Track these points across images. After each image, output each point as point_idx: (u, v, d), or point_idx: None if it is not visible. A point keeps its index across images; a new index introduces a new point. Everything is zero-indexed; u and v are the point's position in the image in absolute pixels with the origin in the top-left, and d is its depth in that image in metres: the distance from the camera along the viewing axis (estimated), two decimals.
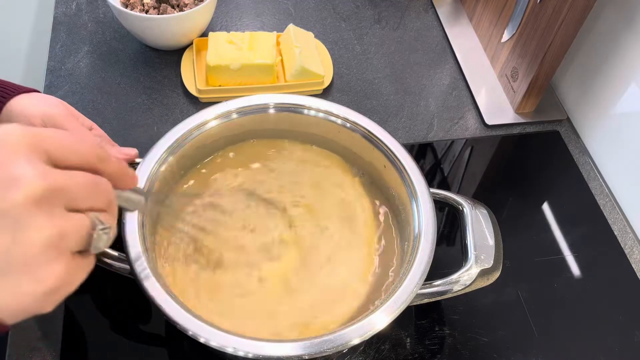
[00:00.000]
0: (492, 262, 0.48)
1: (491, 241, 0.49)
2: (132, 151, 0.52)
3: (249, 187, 0.55)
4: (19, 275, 0.25)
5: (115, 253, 0.45)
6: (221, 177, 0.56)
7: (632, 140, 0.66)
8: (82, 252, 0.30)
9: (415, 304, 0.45)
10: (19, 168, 0.25)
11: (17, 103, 0.43)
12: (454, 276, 0.47)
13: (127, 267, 0.43)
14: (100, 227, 0.30)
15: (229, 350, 0.40)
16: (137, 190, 0.36)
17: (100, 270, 0.39)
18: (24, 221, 0.25)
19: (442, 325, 0.55)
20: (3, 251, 0.25)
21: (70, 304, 0.53)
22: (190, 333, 0.40)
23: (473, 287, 0.48)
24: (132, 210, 0.37)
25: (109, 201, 0.31)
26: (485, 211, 0.52)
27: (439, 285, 0.47)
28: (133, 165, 0.50)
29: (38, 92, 0.46)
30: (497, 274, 0.49)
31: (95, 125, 0.48)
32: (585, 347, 0.56)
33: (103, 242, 0.30)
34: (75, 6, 0.82)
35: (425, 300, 0.47)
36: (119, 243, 0.42)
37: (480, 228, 0.50)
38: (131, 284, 0.42)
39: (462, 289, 0.47)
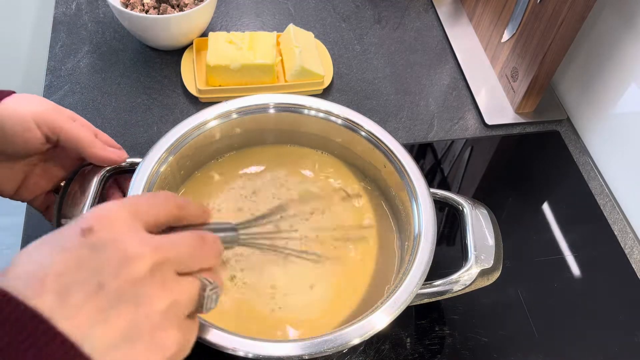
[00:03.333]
0: (492, 262, 0.48)
1: (491, 241, 0.49)
2: (121, 152, 0.51)
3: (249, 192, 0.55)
4: (143, 343, 0.27)
5: None
6: (221, 179, 0.56)
7: (632, 140, 0.66)
8: (190, 314, 0.31)
9: (415, 304, 0.45)
10: (130, 244, 0.27)
11: (5, 107, 0.43)
12: (454, 276, 0.47)
13: None
14: (210, 287, 0.31)
15: (229, 350, 0.40)
16: (224, 225, 0.37)
17: None
18: (143, 293, 0.27)
19: (442, 325, 0.55)
20: (128, 322, 0.26)
21: None
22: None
23: (473, 287, 0.48)
24: (231, 248, 0.38)
25: (216, 257, 0.32)
26: (485, 211, 0.52)
27: (439, 285, 0.47)
28: (133, 166, 0.50)
29: (14, 92, 0.46)
30: (497, 274, 0.49)
31: (76, 116, 0.48)
32: (585, 347, 0.56)
33: (214, 301, 0.32)
34: (75, 6, 0.82)
35: (425, 300, 0.47)
36: None
37: (480, 228, 0.50)
38: None
39: (462, 289, 0.47)
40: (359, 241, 0.53)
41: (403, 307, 0.43)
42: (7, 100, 0.43)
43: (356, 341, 0.41)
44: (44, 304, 0.25)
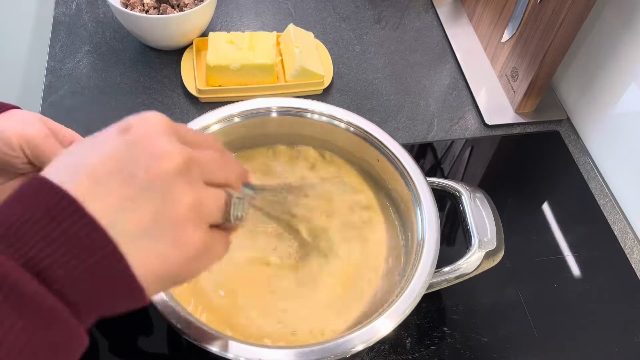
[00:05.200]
0: (495, 243, 0.49)
1: (491, 223, 0.50)
2: None
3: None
4: (166, 238, 0.28)
5: None
6: None
7: (632, 140, 0.66)
8: (219, 227, 0.32)
9: (428, 291, 0.46)
10: (163, 142, 0.28)
11: None
12: (461, 261, 0.48)
13: None
14: (236, 195, 0.32)
15: (230, 356, 0.40)
16: (248, 185, 0.37)
17: None
18: (170, 187, 0.28)
19: (442, 325, 0.55)
20: (154, 213, 0.27)
21: None
22: (190, 339, 0.40)
23: (480, 270, 0.49)
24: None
25: (237, 176, 0.33)
26: (481, 195, 0.53)
27: (447, 272, 0.48)
28: None
29: (18, 108, 0.45)
30: (501, 254, 0.50)
31: (77, 136, 0.47)
32: (585, 347, 0.56)
33: (240, 210, 0.32)
34: (75, 6, 0.82)
35: (435, 288, 0.48)
36: None
37: (479, 212, 0.51)
38: None
39: (470, 273, 0.48)
40: (367, 241, 0.53)
41: (408, 312, 0.43)
42: (2, 116, 0.43)
43: (360, 347, 0.41)
44: (77, 188, 0.26)
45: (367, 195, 0.57)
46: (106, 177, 0.27)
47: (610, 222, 0.66)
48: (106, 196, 0.27)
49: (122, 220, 0.27)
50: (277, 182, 0.55)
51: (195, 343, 0.41)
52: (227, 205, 0.31)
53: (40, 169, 0.45)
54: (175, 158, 0.28)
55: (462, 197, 0.52)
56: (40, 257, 0.25)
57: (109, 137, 0.29)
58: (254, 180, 0.53)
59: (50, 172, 0.27)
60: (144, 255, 0.27)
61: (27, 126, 0.43)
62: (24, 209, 0.26)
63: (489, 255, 0.49)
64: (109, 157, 0.28)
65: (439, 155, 0.71)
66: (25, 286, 0.24)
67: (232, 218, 0.32)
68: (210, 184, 0.31)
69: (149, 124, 0.29)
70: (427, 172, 0.68)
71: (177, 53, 0.76)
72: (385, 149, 0.54)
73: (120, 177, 0.27)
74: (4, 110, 0.44)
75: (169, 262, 0.28)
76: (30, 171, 0.45)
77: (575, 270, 0.61)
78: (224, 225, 0.32)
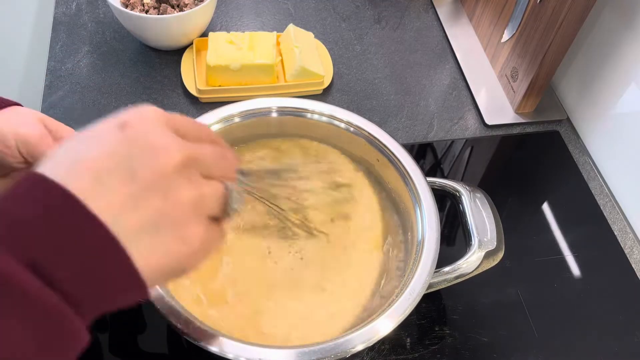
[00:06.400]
0: (495, 243, 0.49)
1: (491, 223, 0.50)
2: None
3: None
4: (168, 233, 0.28)
5: None
6: None
7: (632, 140, 0.66)
8: (216, 219, 0.32)
9: (427, 291, 0.46)
10: (162, 139, 0.28)
11: None
12: (461, 261, 0.48)
13: None
14: (234, 190, 0.32)
15: (230, 356, 0.40)
16: (242, 172, 0.37)
17: None
18: (171, 184, 0.28)
19: (442, 325, 0.55)
20: (156, 210, 0.27)
21: None
22: (190, 339, 0.40)
23: (480, 270, 0.49)
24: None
25: (234, 171, 0.34)
26: (481, 195, 0.53)
27: (447, 272, 0.48)
28: None
29: (19, 104, 0.45)
30: (501, 254, 0.50)
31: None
32: (585, 347, 0.56)
33: (238, 202, 0.33)
34: (75, 6, 0.82)
35: (435, 288, 0.48)
36: None
37: (479, 212, 0.51)
38: None
39: (470, 273, 0.48)
40: (367, 239, 0.53)
41: (408, 312, 0.43)
42: (1, 114, 0.43)
43: (360, 347, 0.41)
44: (78, 186, 0.26)
45: (369, 196, 0.57)
46: (107, 175, 0.27)
47: (610, 222, 0.66)
48: (107, 194, 0.27)
49: (125, 218, 0.27)
50: (267, 166, 0.56)
51: (195, 343, 0.41)
52: (225, 197, 0.32)
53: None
54: (174, 155, 0.28)
55: (462, 197, 0.52)
56: (43, 258, 0.25)
57: (107, 132, 0.28)
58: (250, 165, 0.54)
59: (48, 168, 0.27)
60: (147, 252, 0.27)
61: (24, 125, 0.43)
62: (24, 207, 0.25)
63: (489, 255, 0.49)
64: (108, 154, 0.27)
65: (439, 155, 0.71)
66: (28, 287, 0.24)
67: (230, 210, 0.32)
68: (209, 177, 0.31)
69: (146, 119, 0.29)
70: (427, 172, 0.68)
71: (177, 53, 0.76)
72: (385, 149, 0.54)
73: (121, 174, 0.27)
74: (4, 107, 0.44)
75: (172, 257, 0.28)
76: (23, 168, 0.45)
77: (575, 270, 0.61)
78: (219, 216, 0.32)
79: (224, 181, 0.32)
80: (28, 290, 0.24)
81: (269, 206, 0.46)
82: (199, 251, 0.30)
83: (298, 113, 0.56)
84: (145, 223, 0.27)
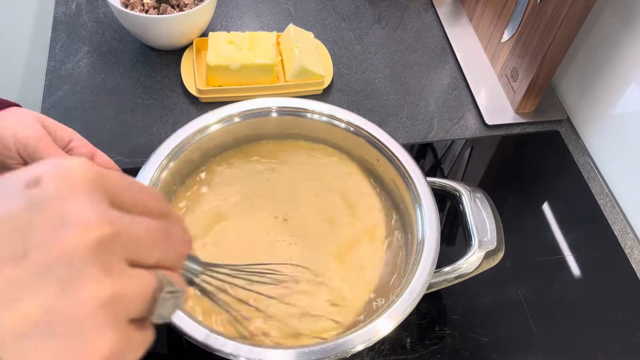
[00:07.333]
0: (495, 243, 0.49)
1: (491, 223, 0.50)
2: (114, 166, 0.49)
3: (248, 192, 0.55)
4: (60, 340, 0.21)
5: None
6: (221, 180, 0.56)
7: (632, 140, 0.66)
8: (140, 320, 0.24)
9: (427, 291, 0.46)
10: (80, 207, 0.21)
11: None
12: (461, 261, 0.48)
13: None
14: (169, 289, 0.24)
15: (230, 356, 0.40)
16: (194, 259, 0.30)
17: None
18: (76, 271, 0.21)
19: (442, 325, 0.55)
20: (47, 305, 0.20)
21: None
22: (190, 339, 0.40)
23: (480, 270, 0.49)
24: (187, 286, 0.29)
25: (180, 257, 0.26)
26: (481, 195, 0.53)
27: (447, 272, 0.48)
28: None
29: (18, 105, 0.45)
30: (501, 254, 0.50)
31: (76, 135, 0.46)
32: (585, 347, 0.56)
33: (169, 309, 0.24)
34: (75, 6, 0.82)
35: (435, 288, 0.48)
36: None
37: (479, 212, 0.51)
38: None
39: (470, 273, 0.48)
40: (367, 237, 0.53)
41: (408, 312, 0.43)
42: (1, 113, 0.43)
43: (360, 347, 0.41)
44: None
45: (369, 195, 0.57)
46: None
47: (610, 222, 0.66)
48: None
49: (3, 313, 0.20)
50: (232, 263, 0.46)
51: (196, 343, 0.41)
52: (154, 299, 0.24)
53: None
54: (90, 231, 0.21)
55: (462, 197, 0.52)
56: None
57: (10, 190, 0.22)
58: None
59: None
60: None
61: (23, 127, 0.43)
62: None
63: (489, 255, 0.49)
64: (1, 221, 0.21)
65: (439, 155, 0.71)
66: None
67: (154, 318, 0.24)
68: (138, 264, 0.23)
69: (66, 177, 0.22)
70: (427, 172, 0.68)
71: (177, 53, 0.76)
72: (385, 149, 0.54)
73: (9, 252, 0.20)
74: (3, 108, 0.44)
75: None
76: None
77: (575, 270, 0.61)
78: (144, 316, 0.24)
79: (160, 272, 0.24)
80: None
81: (225, 310, 0.40)
82: None
83: (298, 113, 0.56)
84: (30, 322, 0.20)
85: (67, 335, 0.21)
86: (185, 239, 0.26)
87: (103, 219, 0.22)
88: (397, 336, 0.54)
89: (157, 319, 0.24)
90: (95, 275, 0.21)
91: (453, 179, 0.59)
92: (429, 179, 0.52)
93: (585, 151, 0.74)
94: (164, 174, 0.50)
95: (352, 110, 0.57)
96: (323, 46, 0.78)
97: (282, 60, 0.74)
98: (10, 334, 0.20)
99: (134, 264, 0.23)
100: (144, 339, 0.24)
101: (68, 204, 0.21)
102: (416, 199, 0.51)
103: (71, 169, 0.22)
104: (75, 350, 0.21)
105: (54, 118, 0.46)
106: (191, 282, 0.30)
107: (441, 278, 0.48)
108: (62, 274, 0.21)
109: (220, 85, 0.71)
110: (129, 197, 0.24)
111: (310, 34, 0.76)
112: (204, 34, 0.75)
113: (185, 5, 0.73)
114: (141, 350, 0.24)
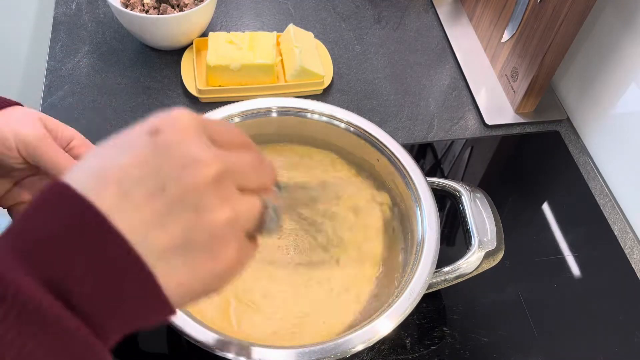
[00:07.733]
0: (495, 243, 0.49)
1: (491, 223, 0.50)
2: None
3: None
4: (199, 253, 0.26)
5: None
6: None
7: (632, 140, 0.66)
8: (250, 235, 0.30)
9: (427, 291, 0.46)
10: (195, 149, 0.26)
11: None
12: (461, 261, 0.48)
13: None
14: (271, 206, 0.30)
15: (230, 356, 0.40)
16: (277, 183, 0.34)
17: None
18: (205, 200, 0.26)
19: (442, 325, 0.55)
20: (187, 228, 0.25)
21: None
22: (190, 339, 0.40)
23: (480, 270, 0.49)
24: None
25: (271, 181, 0.31)
26: (481, 195, 0.53)
27: (447, 272, 0.48)
28: None
29: (19, 104, 0.45)
30: (501, 254, 0.50)
31: (77, 135, 0.47)
32: (585, 347, 0.56)
33: (275, 222, 0.30)
34: (75, 6, 0.82)
35: (436, 288, 0.48)
36: None
37: (479, 212, 0.51)
38: None
39: (470, 273, 0.48)
40: (367, 241, 0.53)
41: (408, 312, 0.43)
42: (1, 114, 0.43)
43: (360, 347, 0.41)
44: (103, 199, 0.24)
45: (368, 198, 0.57)
46: (134, 188, 0.25)
47: (610, 222, 0.66)
48: (134, 210, 0.25)
49: (152, 236, 0.25)
50: (300, 179, 0.55)
51: (195, 343, 0.41)
52: (262, 214, 0.29)
53: (36, 168, 0.45)
54: (209, 168, 0.26)
55: (462, 197, 0.52)
56: (64, 278, 0.23)
57: (137, 140, 0.26)
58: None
59: (74, 178, 0.25)
60: (175, 273, 0.25)
61: (24, 126, 0.43)
62: (46, 221, 0.24)
63: (489, 255, 0.49)
64: (136, 165, 0.25)
65: (439, 155, 0.71)
66: (48, 310, 0.23)
67: (264, 231, 0.30)
68: (245, 189, 0.28)
69: (179, 125, 0.27)
70: (427, 172, 0.68)
71: (177, 53, 0.76)
72: (385, 149, 0.54)
73: (149, 188, 0.25)
74: (5, 107, 0.44)
75: (202, 278, 0.26)
76: (23, 169, 0.44)
77: (575, 270, 0.61)
78: (254, 232, 0.30)
79: (262, 195, 0.30)
80: (48, 313, 0.22)
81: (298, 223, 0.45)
82: (230, 270, 0.27)
83: (298, 113, 0.56)
84: (174, 242, 0.25)
85: (204, 248, 0.26)
86: (272, 165, 0.31)
87: (215, 157, 0.26)
88: (397, 336, 0.54)
89: (266, 232, 0.30)
90: (218, 202, 0.26)
91: (453, 179, 0.59)
92: (429, 179, 0.52)
93: (585, 151, 0.74)
94: None
95: (352, 111, 0.57)
96: (323, 46, 0.78)
97: (282, 61, 0.74)
98: (160, 251, 0.25)
99: (241, 189, 0.28)
100: (253, 248, 0.30)
101: (186, 147, 0.26)
102: (416, 199, 0.51)
103: (180, 118, 0.27)
104: (211, 259, 0.26)
105: (54, 118, 0.46)
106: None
107: (441, 278, 0.48)
108: (193, 202, 0.25)
109: (220, 85, 0.71)
110: (224, 136, 0.29)
111: (310, 34, 0.76)
112: (204, 34, 0.75)
113: (185, 5, 0.73)
114: (251, 258, 0.30)
